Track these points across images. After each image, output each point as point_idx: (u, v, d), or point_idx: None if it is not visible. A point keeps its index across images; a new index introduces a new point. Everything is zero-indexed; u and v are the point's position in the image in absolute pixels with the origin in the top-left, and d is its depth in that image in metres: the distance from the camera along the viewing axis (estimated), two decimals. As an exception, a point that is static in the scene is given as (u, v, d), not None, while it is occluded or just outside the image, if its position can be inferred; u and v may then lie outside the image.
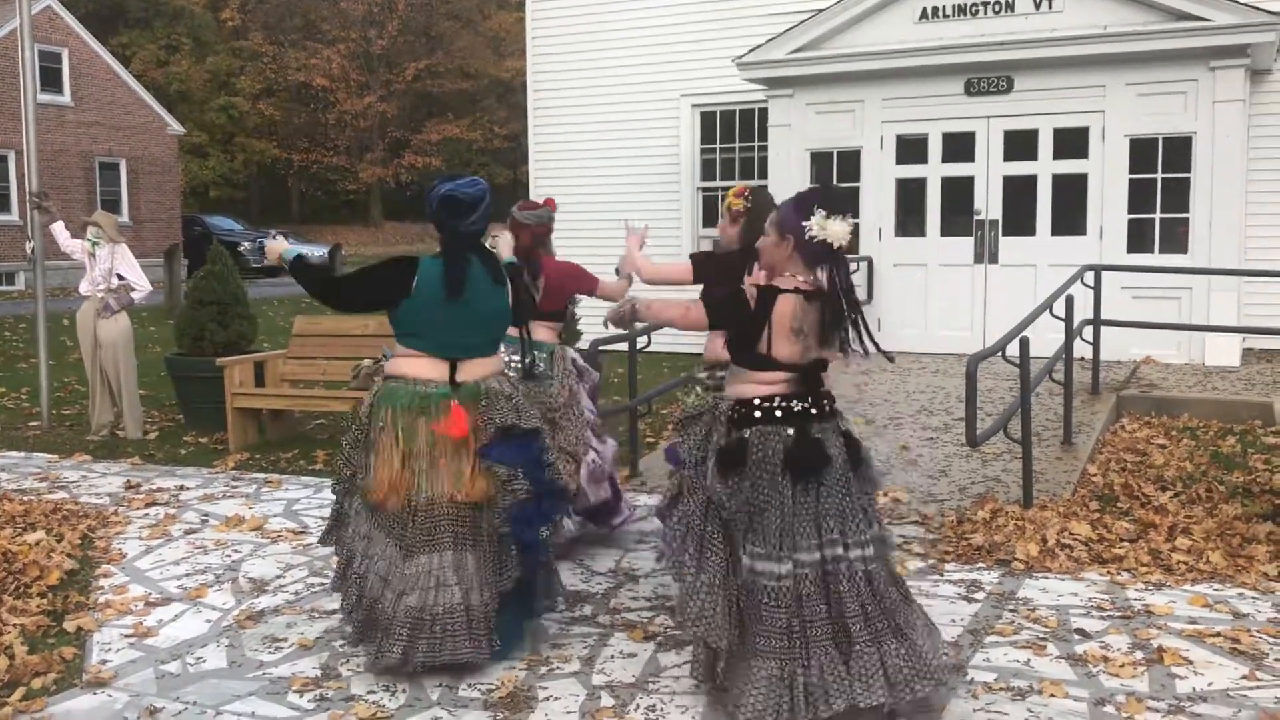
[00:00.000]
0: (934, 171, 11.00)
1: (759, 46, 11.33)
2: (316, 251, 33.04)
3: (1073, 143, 10.42)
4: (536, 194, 13.90)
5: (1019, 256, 10.65)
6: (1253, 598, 4.77)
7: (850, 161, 11.32)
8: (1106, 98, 10.21)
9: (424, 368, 4.08)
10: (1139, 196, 10.25)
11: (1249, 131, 10.31)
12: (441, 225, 4.11)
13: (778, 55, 11.19)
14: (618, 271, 5.35)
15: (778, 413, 3.61)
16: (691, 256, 4.99)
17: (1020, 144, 10.62)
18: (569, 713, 3.75)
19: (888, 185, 11.18)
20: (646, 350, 7.52)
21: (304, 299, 23.00)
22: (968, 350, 9.85)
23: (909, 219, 11.24)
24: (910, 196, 11.20)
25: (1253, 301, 10.48)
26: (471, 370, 4.13)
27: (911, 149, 11.08)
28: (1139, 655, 4.14)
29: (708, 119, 13.45)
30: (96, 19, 36.94)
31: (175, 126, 31.55)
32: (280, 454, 8.11)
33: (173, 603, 4.95)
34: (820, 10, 11.17)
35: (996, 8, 10.47)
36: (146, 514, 6.50)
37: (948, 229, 11.00)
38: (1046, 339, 7.58)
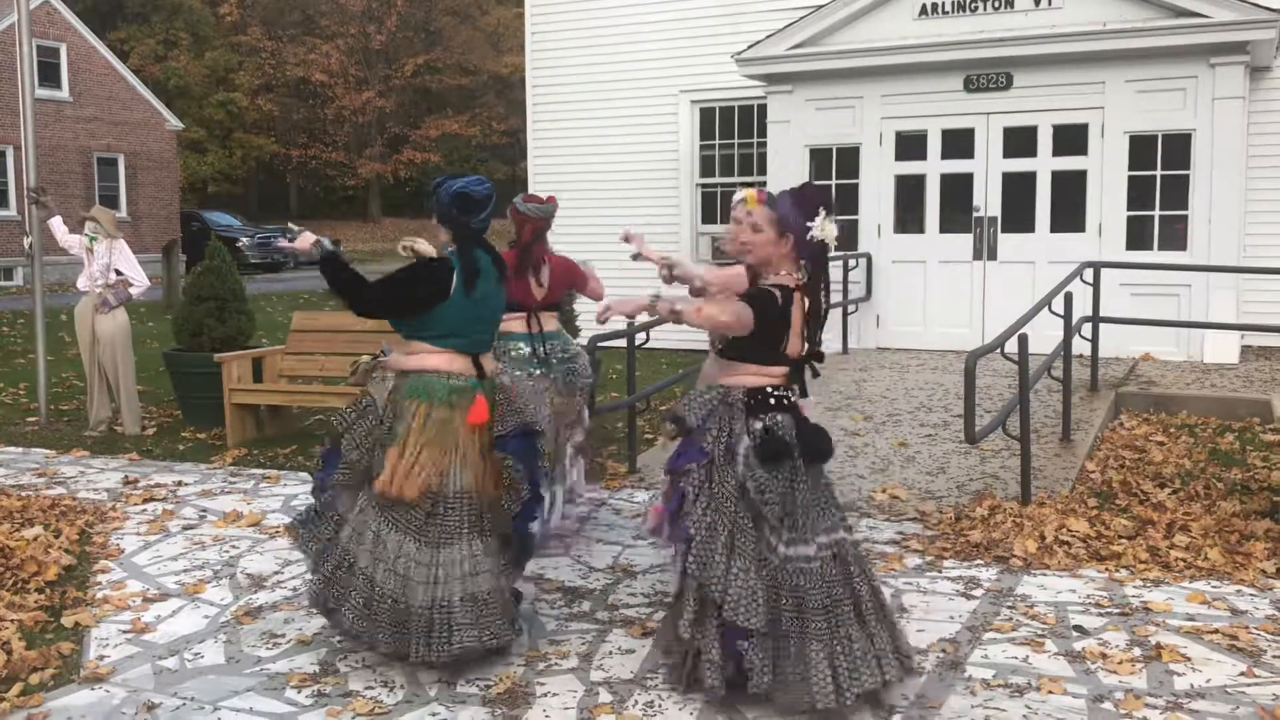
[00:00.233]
0: (933, 168, 10.99)
1: (758, 43, 11.32)
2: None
3: (1072, 139, 10.41)
4: (535, 190, 13.89)
5: (1018, 253, 10.65)
6: (1250, 594, 4.78)
7: (849, 158, 11.31)
8: (1106, 94, 10.20)
9: (453, 362, 4.13)
10: (1138, 193, 10.25)
11: (1248, 129, 10.31)
12: (453, 221, 4.14)
13: (777, 51, 11.18)
14: (634, 255, 5.23)
15: (785, 402, 3.77)
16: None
17: (1019, 141, 10.62)
18: (567, 709, 3.75)
19: (887, 182, 11.17)
20: (644, 347, 7.51)
21: (302, 294, 22.99)
22: (966, 347, 9.85)
23: (908, 216, 11.23)
24: (909, 193, 11.20)
25: (1251, 299, 10.47)
26: (488, 363, 4.25)
27: (911, 145, 11.07)
28: (1137, 652, 4.14)
29: (707, 115, 13.43)
30: (95, 14, 36.92)
31: (173, 122, 31.53)
32: (278, 449, 8.11)
33: (170, 598, 4.95)
34: (820, 6, 11.15)
35: (996, 4, 10.46)
36: (144, 509, 6.49)
37: (947, 226, 10.99)
38: (1045, 336, 7.58)
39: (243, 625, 4.59)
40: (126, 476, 7.33)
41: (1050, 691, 3.81)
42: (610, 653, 4.21)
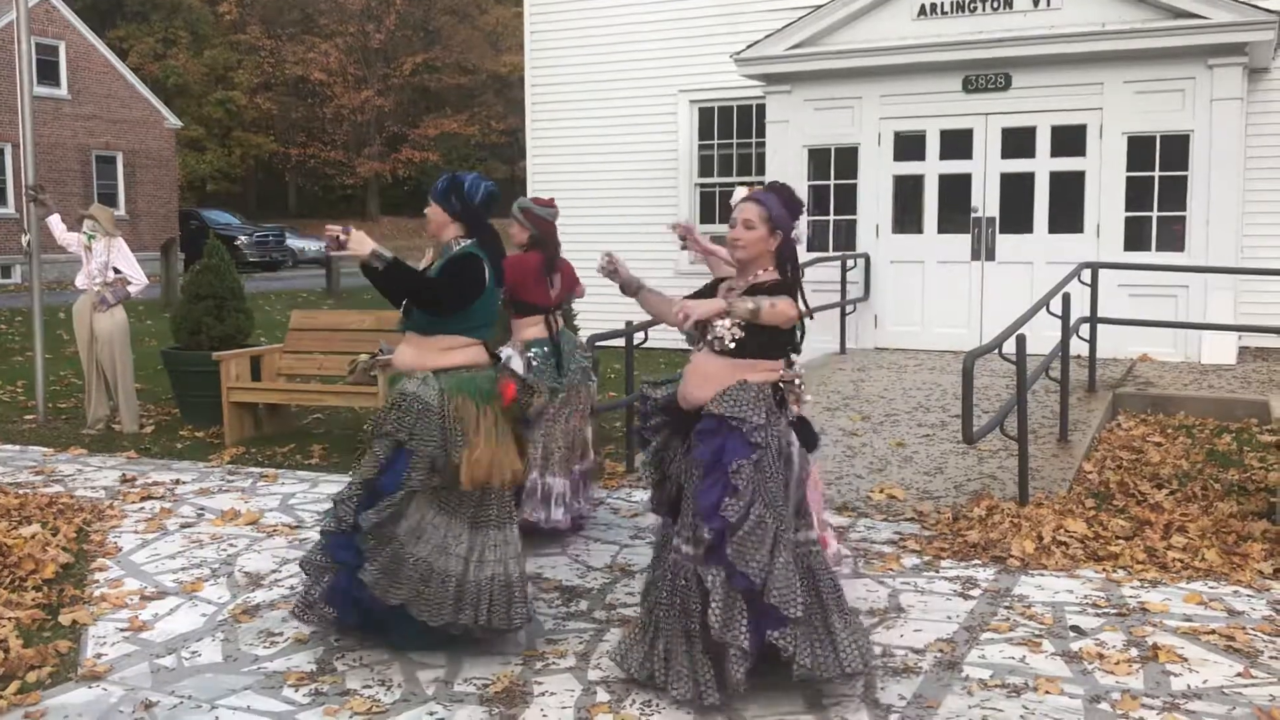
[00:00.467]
0: (931, 168, 11.00)
1: (757, 42, 11.33)
2: (312, 246, 33.10)
3: (1070, 140, 10.42)
4: (534, 189, 13.91)
5: (1016, 254, 10.66)
6: (1248, 595, 4.78)
7: (848, 158, 11.32)
8: (1104, 95, 10.21)
9: (483, 353, 4.29)
10: (1136, 194, 10.26)
11: (1246, 130, 10.32)
12: (477, 218, 4.30)
13: (776, 51, 11.18)
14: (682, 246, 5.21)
15: (790, 395, 3.92)
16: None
17: (1018, 141, 10.63)
18: (564, 708, 3.75)
19: (885, 182, 11.18)
20: (642, 346, 7.51)
21: (301, 293, 22.98)
22: (964, 347, 9.86)
23: (906, 216, 11.24)
24: (908, 193, 11.20)
25: (1249, 300, 10.49)
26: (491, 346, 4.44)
27: (909, 146, 11.08)
28: (1134, 652, 4.15)
29: (706, 115, 13.44)
30: (94, 12, 36.89)
31: (172, 120, 31.50)
32: (276, 448, 8.11)
33: (168, 597, 4.95)
34: (819, 6, 11.15)
35: (995, 5, 10.47)
36: (142, 508, 6.49)
37: (945, 226, 11.00)
38: (1043, 336, 7.58)
39: (240, 624, 4.59)
40: (124, 475, 7.33)
41: (1047, 692, 3.81)
42: (608, 652, 4.20)
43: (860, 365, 10.10)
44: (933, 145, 10.96)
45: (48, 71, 27.11)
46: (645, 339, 7.28)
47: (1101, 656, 4.10)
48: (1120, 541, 5.44)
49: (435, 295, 4.11)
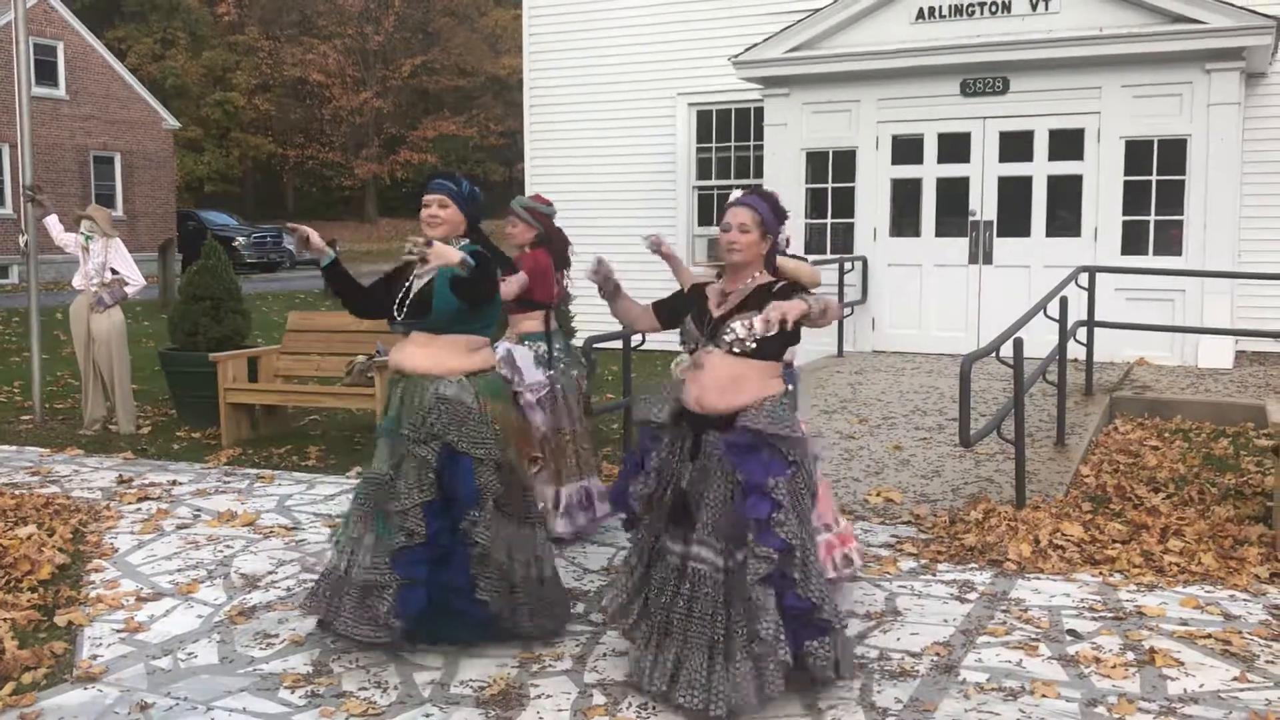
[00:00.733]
0: (929, 172, 11.01)
1: (755, 45, 11.33)
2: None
3: (1068, 144, 10.43)
4: (532, 192, 13.86)
5: (1013, 257, 10.66)
6: (1244, 600, 4.78)
7: (846, 161, 11.32)
8: (1102, 99, 10.22)
9: (493, 355, 4.42)
10: (1134, 198, 10.27)
11: (1244, 134, 10.33)
12: (476, 219, 4.37)
13: (774, 54, 11.19)
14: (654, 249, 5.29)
15: None
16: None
17: (1015, 145, 10.64)
18: (560, 710, 3.75)
19: (883, 185, 11.19)
20: (640, 348, 7.51)
21: (298, 294, 22.97)
22: (962, 351, 9.86)
23: (904, 219, 11.25)
24: (905, 197, 11.21)
25: (1246, 304, 10.50)
26: None
27: (907, 149, 11.09)
28: (1131, 656, 4.15)
29: (704, 118, 13.45)
30: (92, 12, 36.88)
31: (170, 121, 31.48)
32: (273, 449, 8.10)
33: (164, 598, 4.94)
34: (817, 10, 11.16)
35: (993, 9, 10.48)
36: (139, 509, 6.48)
37: (942, 229, 11.01)
38: (1040, 340, 7.59)
39: (236, 625, 4.59)
40: (121, 475, 7.32)
41: (1044, 695, 3.81)
42: (604, 655, 4.20)
43: (858, 368, 10.11)
44: (930, 148, 10.97)
45: (46, 72, 27.09)
46: (643, 341, 7.27)
47: (1098, 660, 4.10)
48: (1117, 545, 5.44)
49: (495, 286, 4.20)
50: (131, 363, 9.19)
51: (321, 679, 4.02)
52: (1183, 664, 4.08)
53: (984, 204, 10.78)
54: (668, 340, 4.60)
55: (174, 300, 12.29)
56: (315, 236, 4.14)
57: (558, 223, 5.93)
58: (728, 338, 3.77)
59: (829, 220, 11.52)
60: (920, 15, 10.76)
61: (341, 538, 4.26)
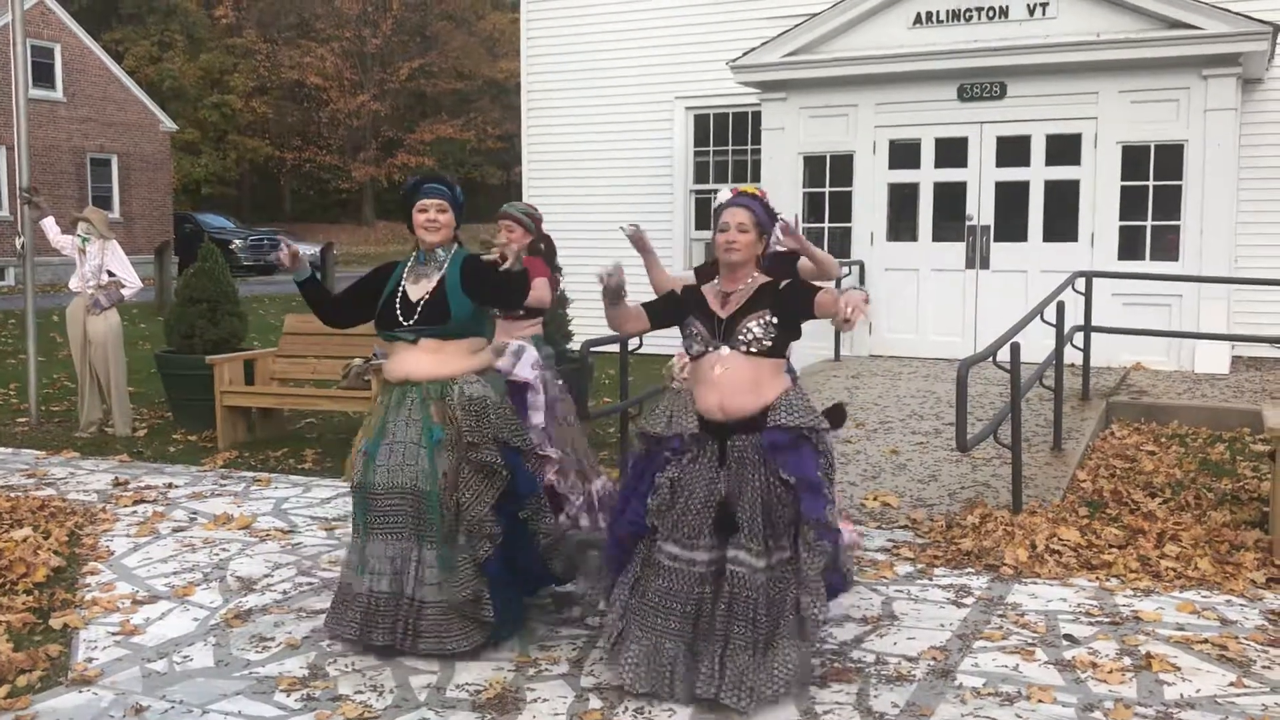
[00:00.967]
0: (926, 177, 11.01)
1: (753, 50, 11.34)
2: (307, 250, 33.08)
3: (1065, 149, 10.44)
4: (529, 195, 13.93)
5: (1010, 262, 10.67)
6: (1240, 604, 4.79)
7: (843, 166, 11.33)
8: (1099, 105, 10.23)
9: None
10: (1130, 204, 10.28)
11: (1240, 140, 10.35)
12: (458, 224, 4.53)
13: (772, 59, 11.19)
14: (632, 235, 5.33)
15: None
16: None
17: (1013, 150, 10.65)
18: (556, 714, 3.74)
19: (880, 190, 11.19)
20: (637, 352, 7.51)
21: (295, 297, 22.95)
22: (959, 355, 9.81)
23: (901, 224, 11.25)
24: (902, 201, 11.22)
25: (1242, 309, 10.51)
26: None
27: (904, 154, 11.09)
28: (1127, 661, 4.15)
29: (701, 121, 13.46)
30: (90, 14, 36.87)
31: (168, 123, 31.48)
32: (269, 452, 8.09)
33: (160, 601, 4.93)
34: (815, 14, 11.17)
35: (991, 14, 10.49)
36: (134, 511, 6.47)
37: (939, 234, 11.01)
38: (1037, 345, 7.60)
39: (232, 628, 4.58)
40: (117, 478, 7.31)
41: (1040, 700, 3.81)
42: (601, 659, 4.20)
43: (855, 372, 10.11)
44: (928, 153, 10.98)
45: (43, 74, 27.08)
46: (640, 344, 7.27)
47: (1094, 665, 4.10)
48: (1113, 550, 5.45)
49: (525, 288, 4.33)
50: (128, 365, 9.18)
51: (317, 682, 4.01)
52: (1179, 669, 4.08)
53: (981, 209, 10.79)
54: (668, 342, 4.62)
55: (170, 303, 12.28)
56: (302, 261, 4.38)
57: (548, 228, 5.93)
58: (744, 337, 3.78)
59: (826, 225, 11.52)
60: (918, 20, 10.77)
61: (370, 559, 4.20)
